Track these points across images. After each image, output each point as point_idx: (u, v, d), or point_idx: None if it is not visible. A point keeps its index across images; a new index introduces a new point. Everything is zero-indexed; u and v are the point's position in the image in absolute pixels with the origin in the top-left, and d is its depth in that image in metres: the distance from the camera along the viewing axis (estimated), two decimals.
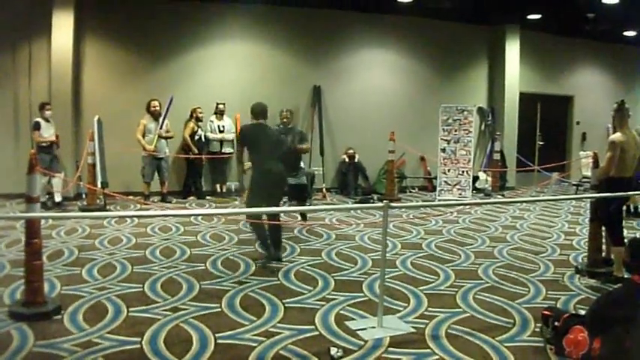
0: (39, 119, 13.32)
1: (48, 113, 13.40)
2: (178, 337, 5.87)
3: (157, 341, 5.71)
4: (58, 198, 13.45)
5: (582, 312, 6.19)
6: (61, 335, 5.79)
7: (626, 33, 19.48)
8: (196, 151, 15.28)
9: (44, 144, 13.22)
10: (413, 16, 17.82)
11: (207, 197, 15.56)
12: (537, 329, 6.16)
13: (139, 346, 5.61)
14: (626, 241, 7.33)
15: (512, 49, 19.21)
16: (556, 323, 5.61)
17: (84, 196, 14.24)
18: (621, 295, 5.42)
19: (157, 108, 14.52)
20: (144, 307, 6.70)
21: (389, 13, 17.61)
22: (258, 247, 9.57)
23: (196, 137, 15.34)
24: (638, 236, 9.72)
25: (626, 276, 6.89)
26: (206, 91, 16.00)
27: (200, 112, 15.41)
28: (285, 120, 12.68)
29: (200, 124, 15.49)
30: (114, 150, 14.12)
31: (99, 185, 13.25)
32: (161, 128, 14.47)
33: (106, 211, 13.32)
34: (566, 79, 20.93)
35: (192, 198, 15.48)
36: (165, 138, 14.77)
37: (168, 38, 15.81)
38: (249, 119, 9.48)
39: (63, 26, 14.32)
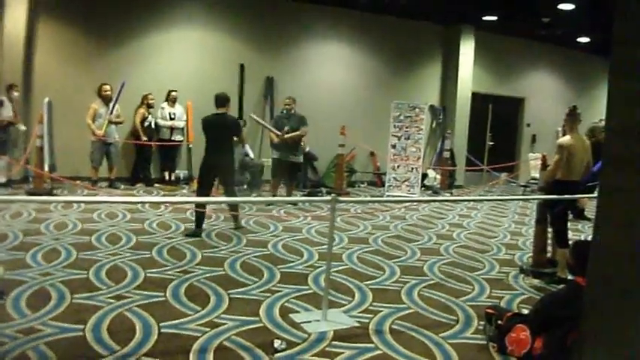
0: (3, 98, 13.35)
1: (15, 95, 13.48)
2: (122, 325, 5.81)
3: (100, 329, 5.65)
4: (2, 179, 13.37)
5: (525, 311, 6.28)
6: (2, 321, 5.70)
7: (579, 39, 19.75)
8: (145, 138, 15.17)
9: (3, 122, 13.31)
10: (369, 12, 17.89)
11: (156, 185, 15.48)
12: (480, 327, 6.22)
13: (81, 333, 5.54)
14: (570, 243, 7.44)
15: (467, 50, 19.40)
16: (499, 322, 5.67)
17: (30, 179, 14.09)
18: (565, 296, 5.49)
19: (109, 92, 14.42)
20: (88, 294, 6.62)
21: (345, 7, 17.64)
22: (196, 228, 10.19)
23: (146, 124, 15.25)
24: (582, 239, 9.89)
25: (569, 277, 6.98)
26: (158, 78, 15.91)
27: (151, 99, 15.33)
28: (287, 107, 13.93)
29: (151, 110, 15.38)
30: (63, 133, 14.00)
31: (46, 169, 13.11)
32: (111, 113, 14.35)
33: (53, 195, 13.18)
34: (519, 82, 21.18)
35: (140, 185, 15.38)
36: (116, 123, 14.67)
37: (123, 23, 15.68)
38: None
39: (16, 6, 14.10)
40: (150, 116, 15.34)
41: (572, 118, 8.51)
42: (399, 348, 5.66)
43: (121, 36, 15.75)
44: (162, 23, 16.15)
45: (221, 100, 10.57)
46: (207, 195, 10.55)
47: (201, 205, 10.27)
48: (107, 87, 14.44)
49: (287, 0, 17.05)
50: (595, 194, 5.71)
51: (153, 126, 15.41)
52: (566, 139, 8.35)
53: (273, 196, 13.90)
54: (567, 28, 17.90)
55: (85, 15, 15.28)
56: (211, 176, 10.64)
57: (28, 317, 5.82)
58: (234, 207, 11.05)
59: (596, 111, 18.80)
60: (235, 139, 10.96)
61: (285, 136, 13.47)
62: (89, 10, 15.30)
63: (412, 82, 19.44)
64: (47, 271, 7.41)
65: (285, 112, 14.09)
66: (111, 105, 14.36)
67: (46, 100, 13.40)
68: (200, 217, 10.25)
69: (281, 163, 13.84)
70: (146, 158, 15.62)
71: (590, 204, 13.38)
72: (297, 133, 13.65)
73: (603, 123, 13.11)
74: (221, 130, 10.51)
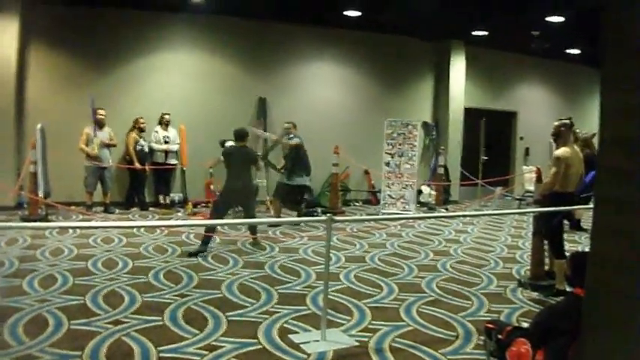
0: None
1: None
2: (120, 350, 5.79)
3: (98, 355, 5.63)
4: None
5: (525, 324, 6.27)
6: (0, 348, 5.67)
7: (569, 51, 19.80)
8: (138, 165, 15.14)
9: None
10: (359, 30, 17.91)
11: (151, 208, 15.44)
12: (480, 342, 6.22)
13: (79, 359, 5.52)
14: (567, 254, 7.43)
15: (458, 65, 19.43)
16: (499, 336, 5.63)
17: (25, 205, 14.04)
18: (564, 307, 5.47)
19: (103, 117, 14.44)
20: (85, 320, 6.59)
21: (336, 27, 17.67)
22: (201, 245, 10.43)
23: (138, 148, 15.20)
24: (579, 250, 9.89)
25: (568, 289, 6.97)
26: (151, 101, 15.91)
27: (142, 123, 15.29)
28: (286, 131, 14.10)
29: (143, 134, 15.36)
30: (57, 159, 13.95)
31: (41, 195, 13.06)
32: (95, 131, 14.26)
33: (48, 221, 13.12)
34: (511, 95, 21.21)
35: (135, 209, 15.33)
36: (109, 146, 14.65)
37: (114, 47, 15.68)
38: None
39: (8, 32, 14.08)
40: (141, 140, 15.30)
41: (569, 130, 8.55)
42: None
43: (113, 60, 15.75)
44: (154, 47, 16.16)
45: (241, 135, 11.36)
46: (221, 218, 10.99)
47: (212, 228, 10.62)
48: (102, 111, 14.46)
49: (277, 21, 17.05)
50: (591, 205, 5.72)
51: (146, 150, 15.38)
52: (562, 151, 8.37)
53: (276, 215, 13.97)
54: (557, 40, 17.95)
55: (76, 40, 15.29)
56: (230, 201, 11.38)
57: (25, 344, 5.80)
58: (253, 228, 11.49)
59: (589, 122, 18.88)
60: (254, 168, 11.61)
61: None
62: (81, 35, 15.30)
63: (404, 99, 19.46)
64: (44, 298, 7.39)
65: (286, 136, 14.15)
66: (92, 126, 14.30)
67: (39, 125, 13.36)
68: (207, 239, 10.56)
69: (283, 186, 13.88)
70: (140, 182, 15.56)
71: (586, 215, 13.46)
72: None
73: (588, 134, 13.25)
74: (243, 161, 11.22)
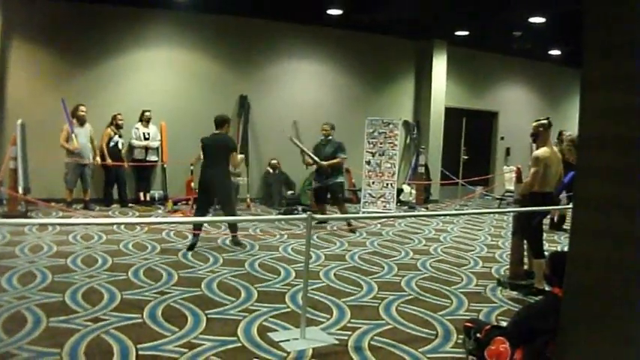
0: None
1: None
2: (99, 348, 5.76)
3: (77, 352, 5.60)
4: None
5: (504, 323, 6.27)
6: None
7: (550, 52, 19.88)
8: (109, 160, 15.03)
9: None
10: (341, 29, 17.91)
11: (131, 205, 15.35)
12: (459, 341, 6.22)
13: (58, 357, 5.49)
14: (546, 254, 7.47)
15: (439, 64, 19.45)
16: (478, 335, 5.64)
17: (4, 202, 13.95)
18: (543, 307, 5.49)
19: (83, 113, 14.38)
20: (64, 318, 6.55)
21: (318, 25, 17.67)
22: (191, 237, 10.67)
23: (111, 144, 15.14)
24: (558, 249, 9.94)
25: (547, 288, 7.00)
26: (132, 98, 15.86)
27: (120, 119, 15.24)
28: (324, 132, 13.86)
29: (121, 131, 15.30)
30: (37, 155, 13.87)
31: (20, 191, 12.99)
32: (72, 132, 14.19)
33: (27, 217, 13.08)
34: (492, 95, 21.28)
35: (115, 206, 15.25)
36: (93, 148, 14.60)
37: (96, 43, 15.61)
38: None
39: None
40: (116, 136, 15.24)
41: (549, 130, 8.60)
42: None
43: (94, 57, 15.67)
44: (135, 43, 16.11)
45: (220, 122, 11.08)
46: (205, 214, 11.10)
47: (198, 227, 10.84)
48: (83, 108, 14.41)
49: (259, 19, 17.02)
50: (571, 205, 5.75)
51: (119, 146, 15.30)
52: (541, 151, 8.42)
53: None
54: (538, 41, 18.01)
55: (58, 36, 15.22)
56: (208, 194, 11.08)
57: (4, 341, 5.75)
58: (233, 226, 11.39)
59: (569, 123, 18.94)
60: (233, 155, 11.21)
61: (324, 163, 13.46)
62: (62, 31, 15.24)
63: (385, 98, 19.48)
64: (23, 295, 7.33)
65: (322, 138, 13.97)
66: (68, 125, 14.25)
67: (19, 121, 13.26)
68: (195, 237, 10.71)
69: (322, 189, 13.83)
70: (117, 178, 15.41)
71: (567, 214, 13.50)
72: (334, 161, 13.51)
73: (570, 135, 13.28)
74: (218, 149, 10.91)
